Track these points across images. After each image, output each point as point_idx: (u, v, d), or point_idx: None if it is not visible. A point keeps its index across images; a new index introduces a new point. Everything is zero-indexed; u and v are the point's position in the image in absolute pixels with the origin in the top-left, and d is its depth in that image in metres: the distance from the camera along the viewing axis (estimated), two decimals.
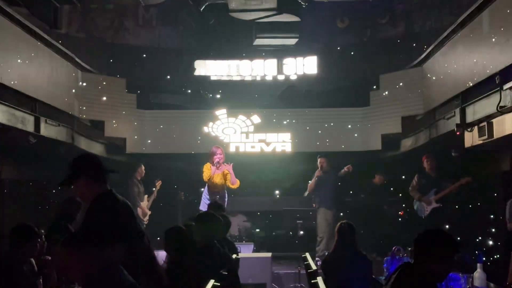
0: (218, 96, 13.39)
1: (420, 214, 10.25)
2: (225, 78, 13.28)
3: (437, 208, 10.07)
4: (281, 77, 13.27)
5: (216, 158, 10.40)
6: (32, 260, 5.47)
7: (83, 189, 4.47)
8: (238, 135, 12.95)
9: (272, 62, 13.23)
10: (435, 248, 4.00)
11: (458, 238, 9.35)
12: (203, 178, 10.47)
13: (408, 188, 10.69)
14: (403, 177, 11.72)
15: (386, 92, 12.29)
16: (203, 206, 10.21)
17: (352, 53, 13.87)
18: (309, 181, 11.56)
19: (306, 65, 13.17)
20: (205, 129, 12.83)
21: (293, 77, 13.26)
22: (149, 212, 11.64)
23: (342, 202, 11.76)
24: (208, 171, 10.43)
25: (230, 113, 12.87)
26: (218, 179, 10.40)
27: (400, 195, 11.81)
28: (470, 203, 10.30)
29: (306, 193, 12.74)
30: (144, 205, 11.56)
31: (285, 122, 13.09)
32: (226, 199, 10.64)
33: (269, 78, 13.25)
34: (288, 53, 13.25)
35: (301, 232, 11.16)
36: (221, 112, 12.88)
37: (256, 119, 12.88)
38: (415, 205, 10.40)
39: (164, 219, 10.54)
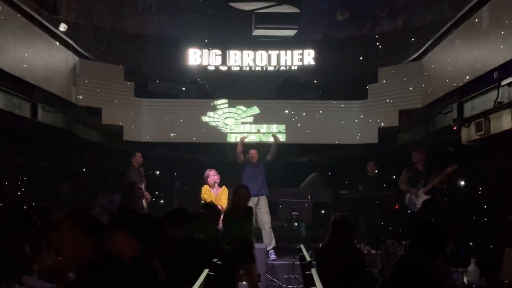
0: (216, 86, 13.37)
1: (412, 208, 10.23)
2: (222, 68, 13.27)
3: (428, 200, 10.04)
4: (279, 69, 13.26)
5: (212, 180, 10.45)
6: (27, 246, 5.45)
7: (120, 245, 4.04)
8: (237, 126, 12.98)
9: (270, 53, 13.22)
10: (426, 243, 4.09)
11: (452, 232, 9.42)
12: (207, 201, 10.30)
13: None
14: (399, 170, 11.73)
15: (385, 85, 12.28)
16: None
17: (351, 45, 13.85)
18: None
19: (304, 57, 13.16)
20: (205, 118, 12.85)
21: (293, 68, 13.26)
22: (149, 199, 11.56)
23: (337, 195, 11.77)
24: (208, 193, 10.42)
25: (229, 104, 12.89)
26: (223, 201, 10.32)
27: (395, 188, 11.81)
28: (465, 199, 10.30)
29: (302, 185, 12.76)
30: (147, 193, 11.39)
31: (282, 113, 13.09)
32: None
33: (268, 69, 13.25)
34: (287, 44, 13.23)
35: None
36: (220, 102, 12.89)
37: (255, 110, 12.91)
38: (406, 200, 10.38)
39: (159, 208, 10.54)
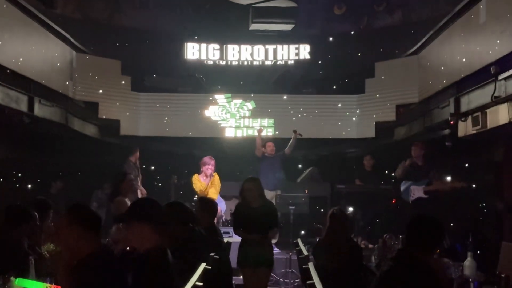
0: (213, 80, 13.36)
1: (406, 197, 10.23)
2: (219, 62, 13.25)
3: (424, 199, 10.04)
4: (275, 63, 13.23)
5: (208, 170, 10.18)
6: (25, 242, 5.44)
7: (139, 237, 4.02)
8: (235, 120, 12.98)
9: (267, 48, 13.19)
10: (423, 236, 4.10)
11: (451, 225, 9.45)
12: (196, 190, 10.18)
13: None
14: (396, 165, 11.73)
15: (382, 80, 12.28)
16: None
17: (348, 40, 13.82)
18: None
19: (300, 52, 13.14)
20: (202, 113, 12.86)
21: (289, 62, 13.23)
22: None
23: (334, 189, 11.79)
24: (198, 182, 10.17)
25: (226, 98, 12.90)
26: (212, 194, 10.01)
27: (393, 182, 11.83)
28: (462, 193, 10.30)
29: (299, 179, 12.75)
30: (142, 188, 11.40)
31: (279, 108, 13.09)
32: (224, 210, 10.59)
33: (265, 63, 13.22)
34: (284, 39, 13.21)
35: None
36: (217, 97, 12.90)
37: (252, 104, 12.92)
38: (402, 187, 10.36)
39: None
